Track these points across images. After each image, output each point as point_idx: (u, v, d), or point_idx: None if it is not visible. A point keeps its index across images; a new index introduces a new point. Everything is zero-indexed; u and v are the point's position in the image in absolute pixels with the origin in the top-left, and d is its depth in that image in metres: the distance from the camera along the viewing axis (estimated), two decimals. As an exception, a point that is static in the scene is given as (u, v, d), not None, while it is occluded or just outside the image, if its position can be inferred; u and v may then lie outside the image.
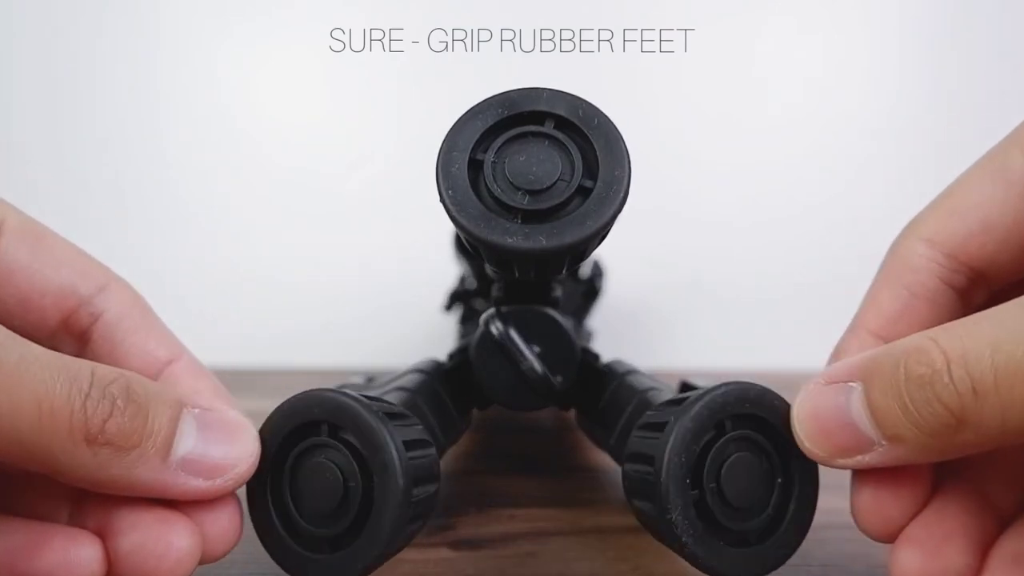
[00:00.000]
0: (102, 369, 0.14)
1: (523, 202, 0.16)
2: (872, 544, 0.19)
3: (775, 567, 0.17)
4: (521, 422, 0.37)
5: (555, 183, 0.16)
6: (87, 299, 0.18)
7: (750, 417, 0.17)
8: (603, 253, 0.43)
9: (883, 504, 0.16)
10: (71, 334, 0.18)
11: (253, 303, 0.61)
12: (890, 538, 0.16)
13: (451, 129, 0.17)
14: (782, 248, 0.59)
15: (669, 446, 0.16)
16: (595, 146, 0.17)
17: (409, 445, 0.17)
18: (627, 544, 0.22)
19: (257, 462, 0.17)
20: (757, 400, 0.17)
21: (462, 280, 0.41)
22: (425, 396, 0.23)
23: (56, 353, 0.14)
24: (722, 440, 0.17)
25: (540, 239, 0.16)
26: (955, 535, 0.16)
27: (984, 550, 0.16)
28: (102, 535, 0.15)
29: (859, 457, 0.15)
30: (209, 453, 0.16)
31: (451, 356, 0.26)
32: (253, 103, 0.62)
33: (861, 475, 0.17)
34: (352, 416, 0.16)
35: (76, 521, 0.16)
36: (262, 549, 0.17)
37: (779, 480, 0.17)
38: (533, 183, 0.16)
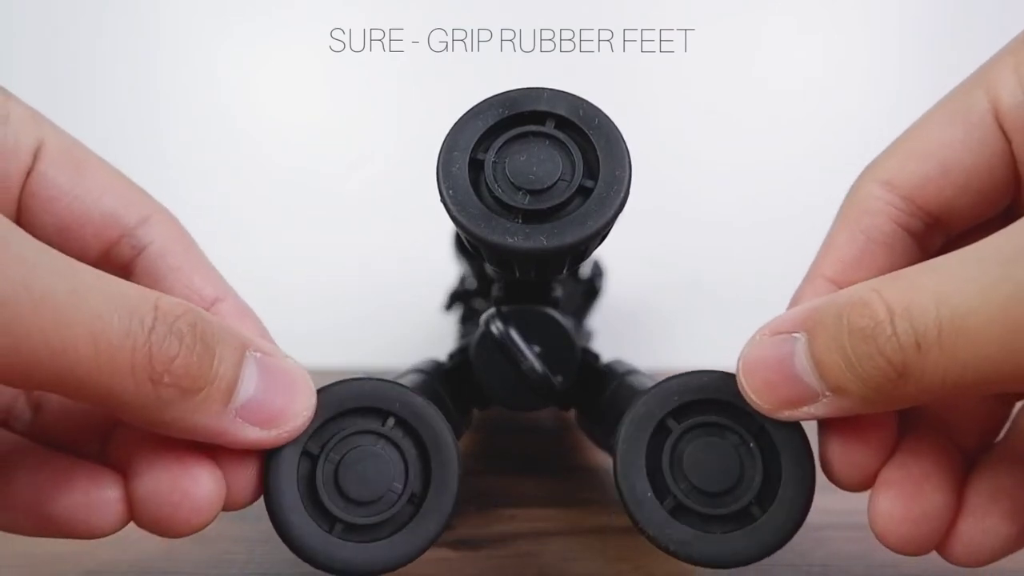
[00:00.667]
0: (166, 301, 0.13)
1: (524, 202, 0.16)
2: (872, 544, 0.19)
3: (766, 551, 0.17)
4: (521, 422, 0.37)
5: (556, 183, 0.16)
6: (130, 230, 0.17)
7: (713, 403, 0.17)
8: (603, 253, 0.43)
9: (852, 453, 0.16)
10: (113, 266, 0.17)
11: (253, 303, 0.61)
12: (862, 486, 0.16)
13: (452, 129, 0.17)
14: (782, 248, 0.59)
15: (620, 438, 0.17)
16: (596, 146, 0.17)
17: None
18: (627, 544, 0.22)
19: (312, 416, 0.16)
20: (714, 386, 0.17)
21: (462, 280, 0.41)
22: (426, 396, 0.23)
23: (116, 280, 0.13)
24: (681, 427, 0.17)
25: (541, 239, 0.16)
26: (930, 476, 0.16)
27: (958, 489, 0.16)
28: (125, 474, 0.15)
29: (805, 408, 0.15)
30: (269, 401, 0.15)
31: (451, 356, 0.26)
32: (253, 103, 0.62)
33: (827, 426, 0.16)
34: (407, 402, 0.17)
35: (105, 455, 0.16)
36: (262, 550, 0.17)
37: (760, 464, 0.17)
38: (534, 183, 0.16)
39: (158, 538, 0.22)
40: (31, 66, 0.61)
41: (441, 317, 0.44)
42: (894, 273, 0.14)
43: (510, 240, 0.16)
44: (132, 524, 0.15)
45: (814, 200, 0.59)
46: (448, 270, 0.44)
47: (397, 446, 0.17)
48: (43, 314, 0.11)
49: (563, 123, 0.17)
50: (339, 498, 0.16)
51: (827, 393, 0.14)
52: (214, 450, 0.15)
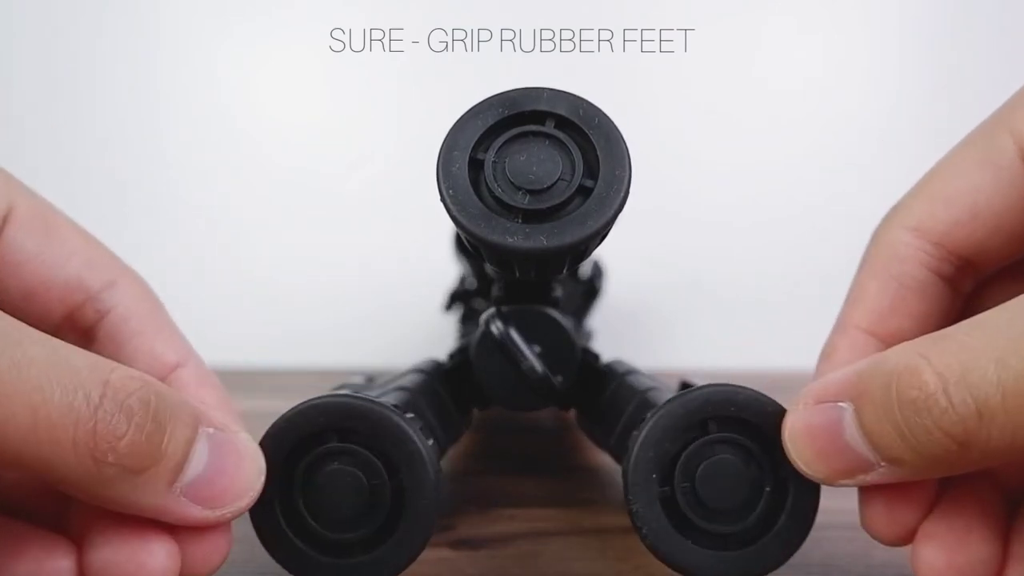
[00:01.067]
0: (120, 375, 0.13)
1: (524, 202, 0.16)
2: (872, 544, 0.18)
3: (779, 563, 0.17)
4: (521, 422, 0.37)
5: (556, 183, 0.16)
6: (94, 294, 0.17)
7: (738, 421, 0.17)
8: (603, 253, 0.43)
9: (896, 511, 0.16)
10: (75, 331, 0.17)
11: (253, 303, 0.61)
12: (905, 541, 0.16)
13: (451, 129, 0.17)
14: (782, 248, 0.59)
15: (639, 441, 0.17)
16: (596, 146, 0.17)
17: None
18: (627, 544, 0.22)
19: (259, 494, 0.15)
20: (745, 404, 0.17)
21: (462, 280, 0.41)
22: (426, 396, 0.23)
23: (68, 351, 0.13)
24: (702, 440, 0.17)
25: (541, 239, 0.16)
26: (974, 526, 0.15)
27: (1003, 536, 0.15)
28: (80, 544, 0.15)
29: (861, 476, 0.15)
30: (216, 481, 0.14)
31: (451, 356, 0.26)
32: (253, 103, 0.62)
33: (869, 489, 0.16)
34: (366, 416, 0.17)
35: (62, 524, 0.15)
36: (261, 550, 0.17)
37: (767, 488, 0.17)
38: (534, 183, 0.16)
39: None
40: (31, 66, 0.61)
41: (441, 317, 0.44)
42: (938, 334, 0.13)
43: (510, 240, 0.16)
44: None
45: (814, 200, 0.60)
46: (448, 270, 0.44)
47: (372, 462, 0.17)
48: None
49: (563, 123, 0.17)
50: (322, 516, 0.17)
51: (882, 464, 0.14)
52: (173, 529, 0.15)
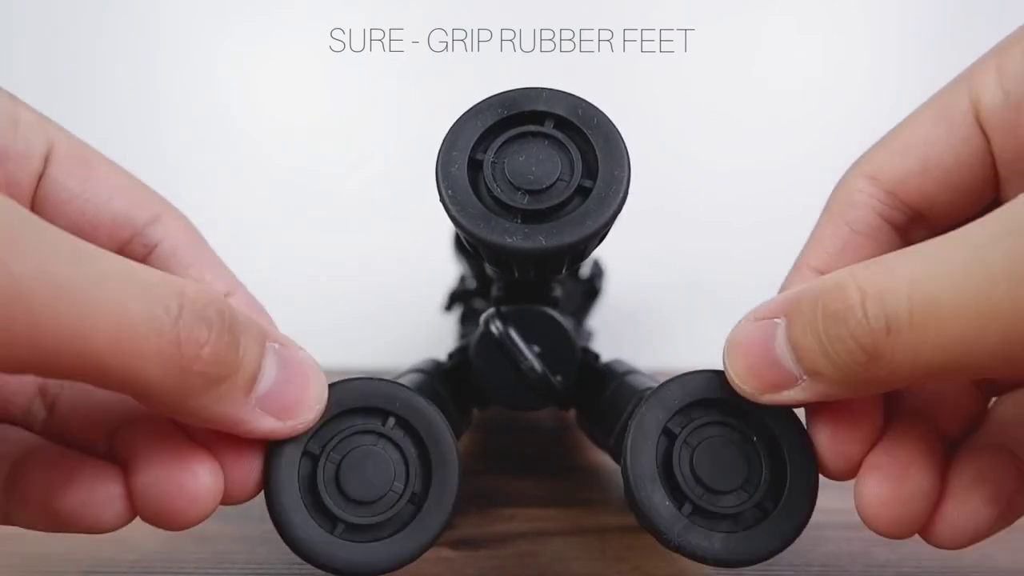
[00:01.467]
0: (193, 288, 0.13)
1: (523, 202, 0.16)
2: (872, 544, 0.19)
3: (787, 540, 0.17)
4: (521, 422, 0.37)
5: (555, 183, 0.16)
6: (140, 229, 0.18)
7: (713, 402, 0.17)
8: (603, 253, 0.43)
9: (840, 442, 0.16)
10: None
11: (253, 303, 0.61)
12: (850, 475, 0.17)
13: (451, 129, 0.17)
14: (782, 248, 0.58)
15: (628, 449, 0.17)
16: (595, 146, 0.17)
17: None
18: (627, 544, 0.22)
19: (323, 408, 0.16)
20: (711, 386, 0.17)
21: (462, 280, 0.41)
22: (426, 395, 0.23)
23: (141, 268, 0.13)
24: (686, 431, 0.17)
25: (540, 239, 0.16)
26: (916, 461, 0.16)
27: (941, 474, 0.16)
28: (126, 469, 0.15)
29: (785, 393, 0.15)
30: (286, 392, 0.15)
31: (451, 356, 0.26)
32: (253, 103, 0.62)
33: (814, 417, 0.17)
34: (408, 401, 0.17)
35: (111, 452, 0.16)
36: (262, 549, 0.17)
37: (766, 457, 0.17)
38: (533, 183, 0.16)
39: (158, 538, 0.22)
40: (31, 66, 0.61)
41: (441, 317, 0.44)
42: (872, 259, 0.14)
43: (509, 240, 0.16)
44: (135, 524, 0.15)
45: (814, 200, 0.59)
46: (448, 270, 0.44)
47: (398, 446, 0.17)
48: (63, 302, 0.11)
49: (562, 123, 0.17)
50: (340, 498, 0.16)
51: (804, 377, 0.15)
52: (213, 444, 0.15)
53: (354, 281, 0.62)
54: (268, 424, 0.15)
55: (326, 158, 0.62)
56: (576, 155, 0.17)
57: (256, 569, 0.19)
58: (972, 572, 0.20)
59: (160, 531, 0.22)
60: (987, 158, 0.16)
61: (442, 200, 0.16)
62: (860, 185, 0.18)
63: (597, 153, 0.16)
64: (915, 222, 0.18)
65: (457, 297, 0.40)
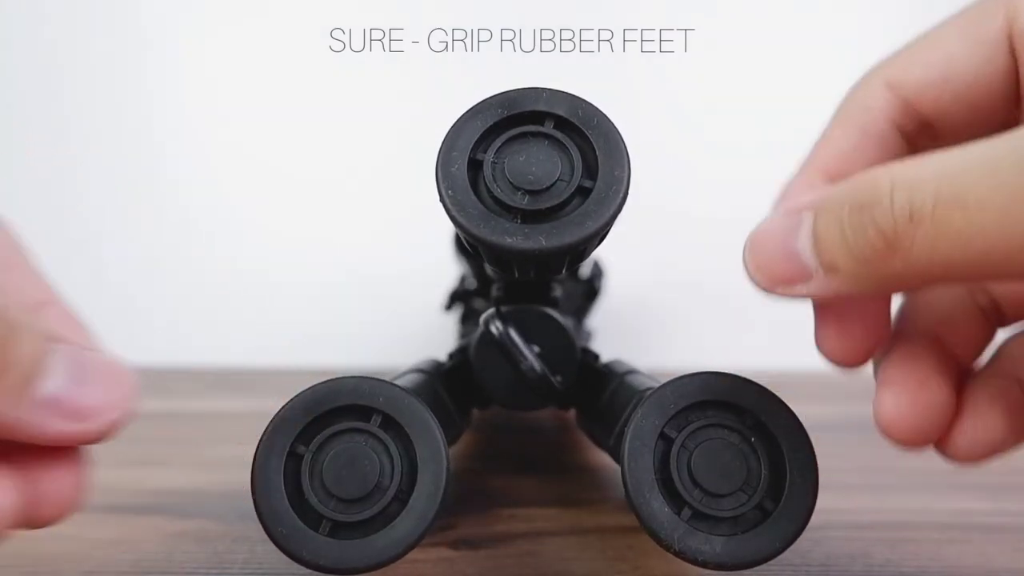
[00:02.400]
0: None
1: (523, 202, 0.16)
2: (872, 544, 0.19)
3: (788, 541, 0.17)
4: (521, 422, 0.37)
5: (555, 183, 0.16)
6: None
7: (709, 404, 0.17)
8: (603, 253, 0.43)
9: (846, 329, 0.16)
10: None
11: (253, 303, 0.61)
12: (853, 362, 0.17)
13: (451, 129, 0.17)
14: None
15: (626, 454, 0.17)
16: (595, 146, 0.17)
17: None
18: (627, 544, 0.22)
19: (130, 409, 0.15)
20: (708, 388, 0.17)
21: (462, 280, 0.41)
22: (424, 395, 0.23)
23: None
24: (683, 434, 0.17)
25: (540, 239, 0.16)
26: (932, 375, 0.16)
27: (957, 390, 0.16)
28: None
29: (798, 287, 0.15)
30: (79, 393, 0.14)
31: (451, 356, 0.26)
32: (253, 103, 0.62)
33: (822, 309, 0.17)
34: (392, 398, 0.17)
35: None
36: (262, 549, 0.17)
37: (764, 457, 0.17)
38: (533, 183, 0.16)
39: (158, 538, 0.22)
40: (30, 66, 0.61)
41: (441, 317, 0.44)
42: (908, 157, 0.14)
43: (508, 240, 0.16)
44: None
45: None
46: (448, 270, 0.44)
47: (384, 443, 0.17)
48: None
49: (562, 123, 0.17)
50: (325, 496, 0.17)
51: (819, 270, 0.14)
52: (10, 457, 0.14)
53: (354, 281, 0.62)
54: (56, 426, 0.14)
55: (326, 158, 0.62)
56: (576, 155, 0.17)
57: (256, 569, 0.19)
58: (972, 572, 0.20)
59: (160, 531, 0.23)
60: (1011, 80, 0.16)
61: (442, 200, 0.16)
62: (876, 91, 0.17)
63: (597, 153, 0.16)
64: (923, 132, 0.18)
65: (457, 297, 0.40)
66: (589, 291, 0.40)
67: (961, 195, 0.12)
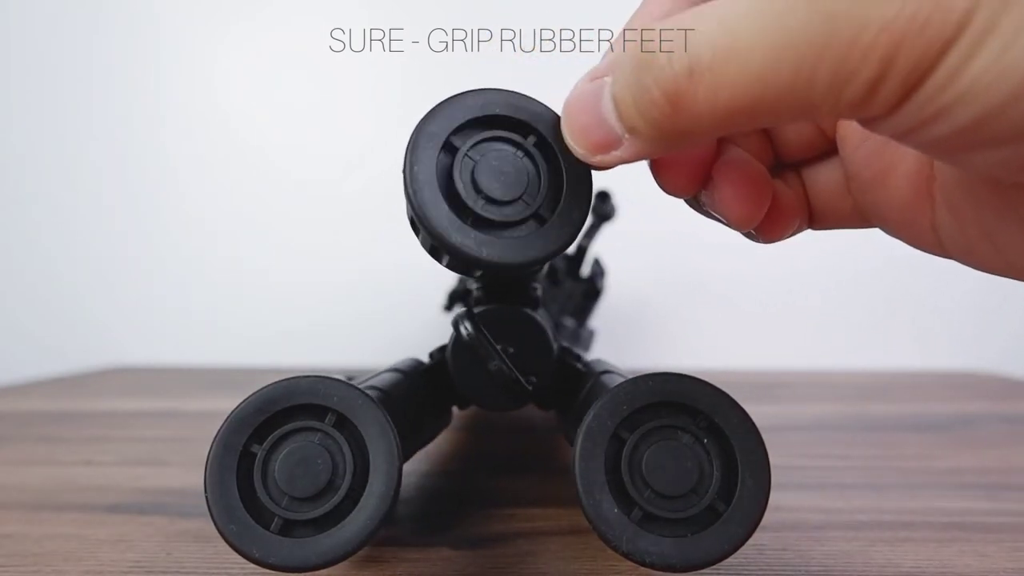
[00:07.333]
0: None
1: (478, 206, 0.16)
2: (872, 544, 0.19)
3: (738, 544, 0.16)
4: (520, 422, 0.37)
5: (514, 201, 0.16)
6: None
7: (663, 406, 0.17)
8: (603, 253, 0.43)
9: (675, 176, 0.17)
10: None
11: (253, 303, 0.61)
12: (687, 190, 0.17)
13: (449, 99, 0.16)
14: (782, 248, 0.59)
15: (577, 455, 0.16)
16: (565, 179, 0.16)
17: None
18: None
19: None
20: (661, 389, 0.17)
21: (462, 280, 0.41)
22: (392, 395, 0.22)
23: None
24: (635, 436, 0.17)
25: (481, 249, 0.15)
26: (757, 175, 0.17)
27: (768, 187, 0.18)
28: None
29: (613, 153, 0.15)
30: None
31: (431, 355, 0.26)
32: (253, 103, 0.62)
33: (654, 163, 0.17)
34: (346, 397, 0.17)
35: None
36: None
37: (716, 459, 0.17)
38: (495, 192, 0.16)
39: (159, 538, 0.22)
40: (31, 67, 0.62)
41: (441, 317, 0.44)
42: (704, 4, 0.13)
43: (456, 238, 0.15)
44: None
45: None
46: (448, 270, 0.44)
47: (336, 442, 0.17)
48: None
49: (543, 144, 0.17)
50: (278, 494, 0.17)
51: (626, 136, 0.14)
52: None
53: (354, 281, 0.62)
54: None
55: (326, 158, 0.62)
56: (544, 182, 0.16)
57: (256, 569, 0.19)
58: (972, 572, 0.20)
59: (160, 531, 0.23)
60: None
61: (404, 167, 0.16)
62: None
63: (564, 189, 0.16)
64: None
65: (457, 297, 0.40)
66: (590, 291, 0.40)
67: (732, 40, 0.11)
